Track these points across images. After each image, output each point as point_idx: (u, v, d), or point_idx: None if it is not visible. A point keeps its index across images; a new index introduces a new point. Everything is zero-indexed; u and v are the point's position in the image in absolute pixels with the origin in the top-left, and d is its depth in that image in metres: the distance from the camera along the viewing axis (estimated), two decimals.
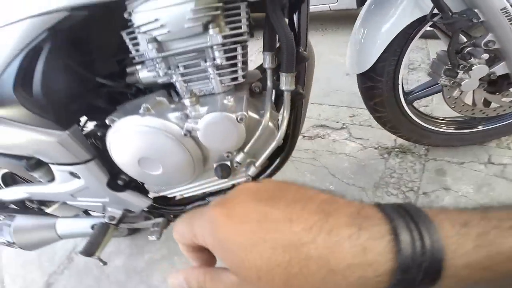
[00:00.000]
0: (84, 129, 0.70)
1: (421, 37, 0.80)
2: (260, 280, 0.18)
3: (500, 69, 0.78)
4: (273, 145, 0.59)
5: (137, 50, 0.52)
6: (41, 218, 0.94)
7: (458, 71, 0.76)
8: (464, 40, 0.76)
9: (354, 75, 0.91)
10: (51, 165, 0.69)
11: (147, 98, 0.57)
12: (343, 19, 2.60)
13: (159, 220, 0.81)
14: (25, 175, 0.90)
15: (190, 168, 0.60)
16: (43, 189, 0.80)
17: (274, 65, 0.57)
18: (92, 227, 0.91)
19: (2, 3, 0.48)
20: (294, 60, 0.52)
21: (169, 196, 0.77)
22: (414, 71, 1.64)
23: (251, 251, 0.18)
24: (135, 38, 0.51)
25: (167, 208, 0.83)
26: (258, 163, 0.62)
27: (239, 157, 0.60)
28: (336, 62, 1.86)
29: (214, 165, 0.63)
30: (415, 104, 1.00)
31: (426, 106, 1.29)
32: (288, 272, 0.17)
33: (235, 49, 0.51)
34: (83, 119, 0.70)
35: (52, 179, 0.76)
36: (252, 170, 0.63)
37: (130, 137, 0.55)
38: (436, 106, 1.25)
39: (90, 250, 0.82)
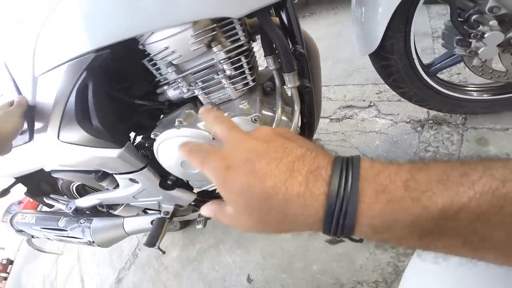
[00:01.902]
0: (134, 142, 0.93)
1: (425, 3, 0.80)
2: (244, 214, 0.30)
3: None
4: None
5: (160, 74, 0.69)
6: (112, 219, 1.20)
7: (470, 40, 0.78)
8: (470, 7, 0.77)
9: (363, 55, 0.94)
10: (114, 175, 0.93)
11: (178, 113, 0.75)
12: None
13: None
14: (94, 185, 1.16)
15: None
16: (111, 195, 1.05)
17: (277, 65, 0.68)
18: (151, 222, 1.17)
19: (42, 53, 0.65)
20: (292, 59, 0.62)
21: (210, 189, 0.97)
22: (439, 38, 1.56)
23: (239, 196, 0.29)
24: (155, 64, 0.66)
25: (210, 200, 1.04)
26: None
27: None
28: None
29: None
30: (446, 74, 1.01)
31: (459, 73, 1.28)
32: (259, 212, 0.28)
33: (239, 59, 0.63)
34: (132, 134, 0.93)
35: (116, 186, 1.02)
36: None
37: (171, 146, 0.73)
38: (470, 73, 1.24)
39: (151, 241, 1.05)
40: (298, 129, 0.76)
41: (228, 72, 0.65)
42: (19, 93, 0.76)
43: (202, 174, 0.78)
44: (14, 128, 0.70)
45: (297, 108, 0.71)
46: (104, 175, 0.98)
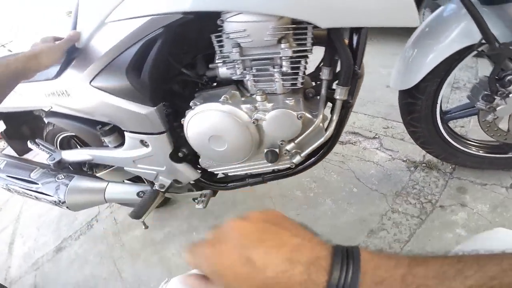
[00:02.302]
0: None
1: (474, 56, 0.91)
2: None
3: None
4: (319, 141, 0.80)
5: (221, 51, 0.75)
6: (95, 181, 1.17)
7: (496, 97, 0.90)
8: (510, 68, 0.88)
9: (393, 89, 1.06)
10: (126, 133, 0.93)
11: (224, 90, 0.80)
12: (390, 31, 2.69)
13: (207, 191, 1.03)
14: (87, 140, 1.13)
15: (247, 148, 0.82)
16: (107, 153, 1.04)
17: (331, 77, 0.77)
18: (138, 194, 1.14)
19: (129, 3, 0.70)
20: (351, 76, 0.72)
21: (215, 172, 0.99)
22: (457, 90, 1.76)
23: (234, 284, 0.29)
24: (222, 41, 0.73)
25: (210, 183, 1.06)
26: (303, 154, 0.84)
27: (289, 146, 0.82)
28: (379, 74, 2.02)
29: (265, 150, 0.85)
30: (451, 124, 1.14)
31: (462, 127, 1.45)
32: None
33: (299, 62, 0.72)
34: None
35: (119, 145, 1.00)
36: (297, 159, 0.84)
37: (209, 118, 0.77)
38: (473, 128, 1.40)
39: (139, 213, 1.05)
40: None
41: (284, 69, 0.72)
42: (74, 28, 0.79)
43: (224, 153, 0.83)
44: (53, 62, 0.73)
45: (335, 118, 0.79)
46: (111, 130, 0.97)
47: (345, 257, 0.28)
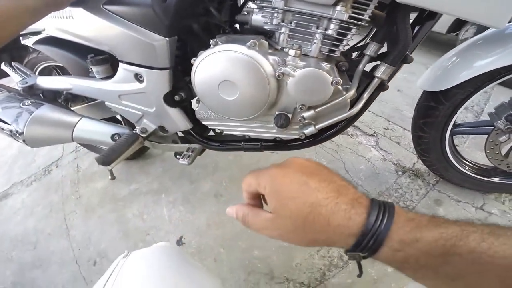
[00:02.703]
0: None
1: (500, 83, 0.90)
2: (289, 218, 0.35)
3: None
4: (341, 117, 0.73)
5: None
6: (67, 113, 1.00)
7: None
8: None
9: (404, 93, 1.02)
10: (122, 64, 0.80)
11: (252, 37, 0.69)
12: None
13: (196, 145, 0.91)
14: (73, 71, 0.98)
15: (260, 104, 0.72)
16: (91, 84, 0.90)
17: (375, 55, 0.70)
18: (113, 136, 0.99)
19: None
20: (402, 58, 0.65)
21: (209, 127, 0.88)
22: (464, 110, 1.76)
23: (291, 201, 0.35)
24: None
25: (199, 138, 0.95)
26: (319, 126, 0.76)
27: (307, 114, 0.73)
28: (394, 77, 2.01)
29: (276, 112, 0.75)
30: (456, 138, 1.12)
31: (457, 146, 1.46)
32: (306, 217, 0.34)
33: (349, 29, 0.63)
34: None
35: (107, 77, 0.85)
36: (310, 130, 0.76)
37: (228, 60, 0.66)
38: (466, 149, 1.43)
39: (108, 158, 0.89)
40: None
41: (329, 32, 0.63)
42: None
43: (230, 104, 0.72)
44: None
45: (366, 96, 0.72)
46: (103, 60, 0.85)
47: (382, 204, 0.34)
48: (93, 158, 1.54)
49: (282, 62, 0.65)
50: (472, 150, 1.40)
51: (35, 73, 1.17)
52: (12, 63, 1.11)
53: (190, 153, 0.89)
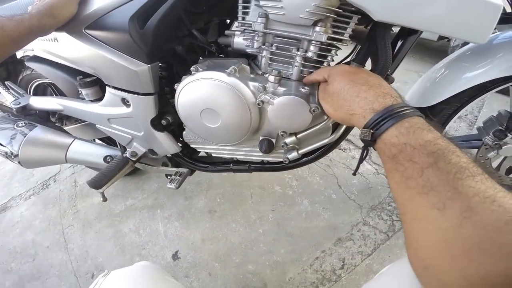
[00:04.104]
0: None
1: (499, 92, 0.85)
2: (341, 81, 0.52)
3: None
4: (323, 142, 0.73)
5: (243, 18, 0.64)
6: (60, 135, 1.03)
7: (508, 134, 0.86)
8: None
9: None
10: (108, 88, 0.80)
11: (233, 61, 0.69)
12: (413, 47, 2.73)
13: (184, 170, 0.92)
14: (66, 90, 0.99)
15: (242, 132, 0.73)
16: (82, 106, 0.91)
17: None
18: (105, 158, 1.01)
19: None
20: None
21: (198, 150, 0.89)
22: (458, 119, 1.76)
23: (338, 95, 0.51)
24: (248, 7, 0.62)
25: (188, 161, 0.96)
26: (301, 151, 0.76)
27: (289, 139, 0.73)
28: None
29: (261, 138, 0.76)
30: None
31: None
32: (345, 86, 0.50)
33: (329, 50, 0.63)
34: None
35: (96, 99, 0.87)
36: (293, 155, 0.77)
37: (208, 88, 0.67)
38: None
39: (99, 182, 0.92)
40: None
41: (309, 54, 0.62)
42: None
43: (214, 131, 0.74)
44: (68, 17, 0.68)
45: None
46: (91, 83, 0.86)
47: (409, 106, 0.42)
48: (90, 173, 1.58)
49: (263, 88, 0.65)
50: None
51: (30, 89, 1.18)
52: (6, 82, 1.13)
53: (177, 177, 0.90)
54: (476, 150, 0.99)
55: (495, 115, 0.95)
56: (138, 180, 1.50)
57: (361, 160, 0.55)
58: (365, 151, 0.52)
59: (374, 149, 0.44)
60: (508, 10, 0.74)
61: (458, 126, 1.64)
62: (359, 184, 1.35)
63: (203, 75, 0.66)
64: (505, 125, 0.87)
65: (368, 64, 0.67)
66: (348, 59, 0.80)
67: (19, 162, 1.03)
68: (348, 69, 0.54)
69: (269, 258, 1.11)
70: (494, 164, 1.02)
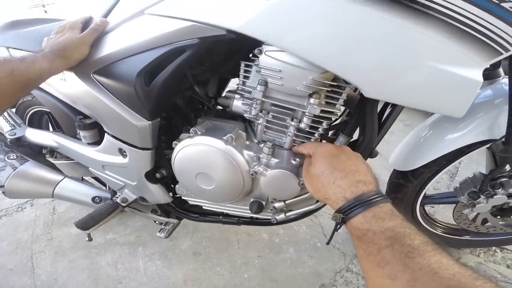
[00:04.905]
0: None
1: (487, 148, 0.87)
2: (317, 168, 0.58)
3: None
4: (308, 208, 0.77)
5: (243, 82, 0.67)
6: (51, 172, 1.04)
7: (481, 195, 0.91)
8: (506, 170, 0.87)
9: (383, 156, 1.03)
10: (107, 135, 0.83)
11: (230, 126, 0.73)
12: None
13: (174, 220, 0.94)
14: (62, 124, 1.00)
15: (234, 195, 0.76)
16: (78, 148, 0.92)
17: (350, 136, 0.73)
18: (94, 199, 1.02)
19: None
20: (368, 153, 0.70)
21: (190, 202, 0.91)
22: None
23: (318, 179, 0.57)
24: (249, 72, 0.65)
25: (179, 210, 0.97)
26: (288, 214, 0.80)
27: (278, 204, 0.77)
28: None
29: (252, 199, 0.79)
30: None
31: (432, 207, 1.52)
32: (323, 172, 0.56)
33: (320, 122, 0.65)
34: None
35: (93, 143, 0.89)
36: (281, 217, 0.80)
37: (205, 153, 0.70)
38: (441, 209, 1.49)
39: (87, 224, 0.93)
40: None
41: (302, 125, 0.65)
42: (105, 15, 0.71)
43: (207, 192, 0.77)
44: (80, 58, 0.69)
45: None
46: (91, 125, 0.87)
47: (380, 192, 0.50)
48: (71, 204, 1.55)
49: (256, 158, 0.69)
50: (447, 210, 1.46)
51: (26, 115, 1.19)
52: None
53: (167, 227, 0.92)
54: (454, 205, 1.05)
55: (470, 177, 1.00)
56: (122, 216, 1.48)
57: (334, 232, 0.61)
58: (338, 227, 0.57)
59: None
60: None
61: (440, 178, 1.70)
62: (344, 233, 1.38)
63: (201, 140, 0.70)
64: (478, 187, 0.92)
65: None
66: (338, 121, 0.83)
67: (3, 192, 1.03)
68: (331, 150, 0.60)
69: None
70: (471, 216, 1.07)
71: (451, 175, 1.76)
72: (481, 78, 0.50)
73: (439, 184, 1.70)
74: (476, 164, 1.76)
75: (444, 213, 1.44)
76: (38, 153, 1.08)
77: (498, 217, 1.04)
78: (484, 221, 1.09)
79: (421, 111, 2.59)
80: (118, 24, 0.69)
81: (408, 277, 0.38)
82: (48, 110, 1.09)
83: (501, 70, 0.88)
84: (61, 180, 1.02)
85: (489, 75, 0.88)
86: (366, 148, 0.69)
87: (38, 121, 1.21)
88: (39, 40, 0.75)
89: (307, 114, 0.63)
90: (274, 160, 0.69)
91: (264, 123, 0.69)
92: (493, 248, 1.31)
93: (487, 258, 1.27)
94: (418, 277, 0.37)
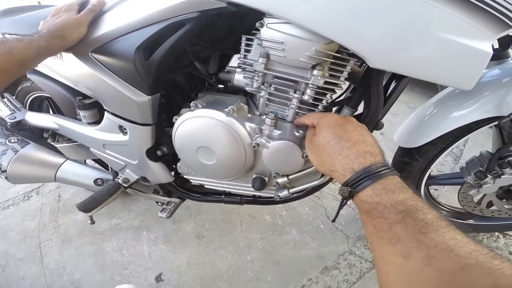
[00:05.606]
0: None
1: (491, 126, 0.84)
2: (327, 133, 0.54)
3: None
4: (313, 183, 0.76)
5: (245, 56, 0.66)
6: (52, 154, 1.03)
7: (488, 175, 0.89)
8: None
9: (386, 137, 1.03)
10: (107, 113, 0.82)
11: (232, 99, 0.72)
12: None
13: (176, 200, 0.93)
14: (62, 107, 0.99)
15: (236, 170, 0.75)
16: (79, 128, 0.91)
17: (355, 108, 0.71)
18: (96, 181, 1.02)
19: None
20: (373, 125, 0.68)
21: (191, 181, 0.91)
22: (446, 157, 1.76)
23: (323, 150, 0.53)
24: (251, 45, 0.64)
25: (181, 190, 0.97)
26: (292, 190, 0.79)
27: (281, 180, 0.76)
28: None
29: (254, 175, 0.79)
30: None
31: (436, 190, 1.51)
32: (329, 142, 0.53)
33: (324, 94, 0.65)
34: None
35: (93, 122, 0.88)
36: (284, 193, 0.79)
37: (206, 126, 0.69)
38: (445, 192, 1.47)
39: (89, 206, 0.92)
40: None
41: (305, 97, 0.64)
42: None
43: (208, 167, 0.76)
44: (77, 38, 0.68)
45: None
46: (90, 105, 0.86)
47: (387, 165, 0.47)
48: (76, 190, 1.56)
49: (259, 130, 0.68)
50: (451, 193, 1.45)
51: (27, 101, 1.18)
52: (4, 94, 1.12)
53: (169, 207, 0.91)
54: (459, 186, 1.02)
55: (477, 156, 0.98)
56: (126, 200, 1.48)
57: (340, 208, 0.58)
58: (344, 202, 0.55)
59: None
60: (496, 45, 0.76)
61: (444, 160, 1.69)
62: (347, 215, 1.38)
63: (202, 112, 0.69)
64: (485, 166, 0.90)
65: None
66: (342, 97, 0.83)
67: (5, 178, 1.02)
68: (336, 120, 0.57)
69: (256, 285, 1.11)
70: (476, 199, 1.05)
71: (455, 157, 1.74)
72: (490, 50, 0.48)
73: (443, 166, 1.68)
74: (481, 146, 1.74)
75: (448, 196, 1.43)
76: (39, 136, 1.08)
77: (504, 200, 1.02)
78: (490, 204, 1.07)
79: (425, 94, 2.59)
80: (116, 3, 0.68)
81: (423, 254, 0.35)
82: (48, 95, 1.08)
83: (510, 51, 0.86)
84: (63, 163, 1.02)
85: (498, 55, 0.86)
86: (371, 120, 0.68)
87: (38, 106, 1.21)
88: (35, 24, 0.74)
89: (310, 85, 0.62)
90: (276, 132, 0.68)
91: (266, 96, 0.68)
92: (496, 234, 1.30)
93: (489, 243, 1.27)
94: (434, 255, 0.34)
